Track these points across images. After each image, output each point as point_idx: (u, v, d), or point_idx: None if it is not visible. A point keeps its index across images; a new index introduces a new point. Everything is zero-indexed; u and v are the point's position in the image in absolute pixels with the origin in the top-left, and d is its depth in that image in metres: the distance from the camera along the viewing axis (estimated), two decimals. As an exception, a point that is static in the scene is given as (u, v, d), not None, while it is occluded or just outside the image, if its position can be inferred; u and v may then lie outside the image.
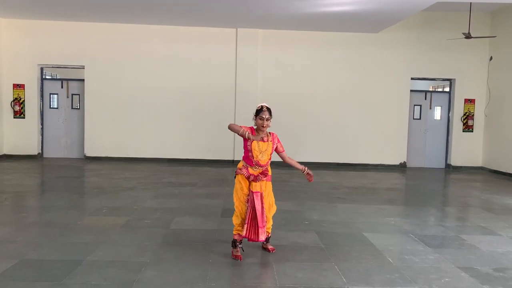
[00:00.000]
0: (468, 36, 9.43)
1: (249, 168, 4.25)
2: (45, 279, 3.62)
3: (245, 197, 4.23)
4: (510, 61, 10.59)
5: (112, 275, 3.72)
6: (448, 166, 11.79)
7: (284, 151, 4.44)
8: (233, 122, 4.35)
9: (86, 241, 4.63)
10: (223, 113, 11.17)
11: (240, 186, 4.26)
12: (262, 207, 4.20)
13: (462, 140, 11.64)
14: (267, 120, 4.16)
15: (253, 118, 4.23)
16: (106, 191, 7.32)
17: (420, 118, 11.85)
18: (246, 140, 4.20)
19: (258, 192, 4.20)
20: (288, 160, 4.45)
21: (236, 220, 4.30)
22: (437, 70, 11.53)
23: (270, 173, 4.38)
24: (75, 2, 9.31)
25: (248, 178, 4.23)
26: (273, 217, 4.51)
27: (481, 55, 11.46)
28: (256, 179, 4.21)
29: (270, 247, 4.48)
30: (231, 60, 11.28)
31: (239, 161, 4.51)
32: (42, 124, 11.51)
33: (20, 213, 5.99)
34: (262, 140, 4.21)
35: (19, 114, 11.22)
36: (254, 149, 4.18)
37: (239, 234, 4.25)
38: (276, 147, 4.33)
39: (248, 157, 4.24)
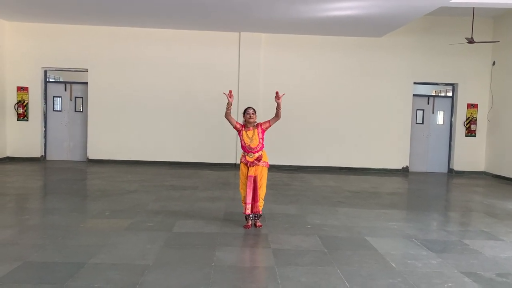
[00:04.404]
0: (471, 41, 9.44)
1: (246, 156, 5.33)
2: (48, 282, 3.63)
3: (245, 180, 5.33)
4: (513, 66, 10.59)
5: (115, 278, 3.73)
6: (450, 170, 11.77)
7: (269, 120, 5.40)
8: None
9: (88, 243, 4.64)
10: (226, 116, 11.17)
11: (241, 172, 5.42)
12: (255, 188, 5.29)
13: (464, 145, 11.62)
14: (252, 114, 5.32)
15: (243, 117, 5.39)
16: (109, 194, 7.34)
17: (422, 123, 11.85)
18: (239, 133, 5.34)
19: (252, 176, 5.27)
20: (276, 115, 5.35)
21: (243, 200, 5.38)
22: (440, 75, 11.54)
23: (266, 160, 5.38)
24: (79, 6, 9.36)
25: (246, 164, 5.32)
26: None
27: (484, 60, 11.46)
28: (251, 164, 5.28)
29: (258, 223, 5.41)
30: (234, 63, 11.31)
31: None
32: (45, 126, 11.55)
33: (23, 215, 6.01)
34: (249, 129, 5.33)
35: (23, 116, 11.27)
36: (244, 137, 5.32)
37: (245, 211, 5.33)
38: (264, 128, 5.35)
39: (243, 146, 5.34)
